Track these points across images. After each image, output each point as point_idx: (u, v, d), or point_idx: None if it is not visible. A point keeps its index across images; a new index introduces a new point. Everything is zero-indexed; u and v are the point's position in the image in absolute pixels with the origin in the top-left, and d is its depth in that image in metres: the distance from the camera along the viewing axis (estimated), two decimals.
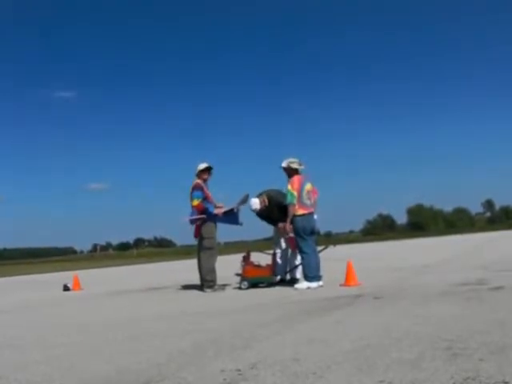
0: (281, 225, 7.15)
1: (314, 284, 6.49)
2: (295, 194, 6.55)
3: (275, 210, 7.14)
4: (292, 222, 6.59)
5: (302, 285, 6.55)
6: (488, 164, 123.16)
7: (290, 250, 7.36)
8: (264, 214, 7.36)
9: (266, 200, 7.25)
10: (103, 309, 6.37)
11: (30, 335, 4.38)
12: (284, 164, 6.84)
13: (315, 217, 6.82)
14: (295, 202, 6.54)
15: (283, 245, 7.39)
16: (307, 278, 6.55)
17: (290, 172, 6.78)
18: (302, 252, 6.66)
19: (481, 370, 2.26)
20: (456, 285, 5.75)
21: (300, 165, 6.83)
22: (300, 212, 6.57)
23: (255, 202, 7.25)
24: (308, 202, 6.69)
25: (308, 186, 6.75)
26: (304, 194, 6.65)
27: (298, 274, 7.32)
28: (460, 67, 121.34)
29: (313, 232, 6.71)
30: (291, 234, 6.98)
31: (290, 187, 6.60)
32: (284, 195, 6.92)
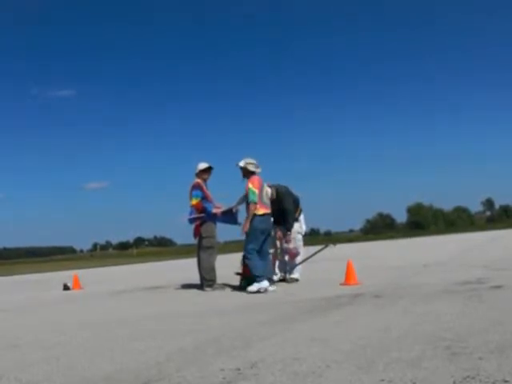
0: (279, 234, 7.14)
1: (264, 284, 6.21)
2: (257, 192, 6.39)
3: (279, 207, 7.11)
4: (251, 221, 6.39)
5: (253, 287, 6.24)
6: (488, 163, 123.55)
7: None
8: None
9: (275, 193, 7.19)
10: (103, 308, 6.37)
11: (30, 335, 4.37)
12: (241, 163, 6.57)
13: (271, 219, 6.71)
14: (257, 200, 6.37)
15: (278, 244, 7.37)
16: (256, 278, 6.26)
17: (247, 173, 6.56)
18: (247, 252, 6.43)
19: (481, 368, 2.26)
20: (456, 284, 5.75)
21: (257, 167, 6.60)
22: (261, 211, 6.42)
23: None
24: (268, 202, 6.59)
25: (266, 188, 6.65)
26: (264, 193, 6.54)
27: (298, 273, 7.32)
28: (460, 67, 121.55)
29: (269, 233, 6.64)
30: (290, 244, 6.98)
31: (251, 185, 6.40)
32: (293, 194, 6.92)
